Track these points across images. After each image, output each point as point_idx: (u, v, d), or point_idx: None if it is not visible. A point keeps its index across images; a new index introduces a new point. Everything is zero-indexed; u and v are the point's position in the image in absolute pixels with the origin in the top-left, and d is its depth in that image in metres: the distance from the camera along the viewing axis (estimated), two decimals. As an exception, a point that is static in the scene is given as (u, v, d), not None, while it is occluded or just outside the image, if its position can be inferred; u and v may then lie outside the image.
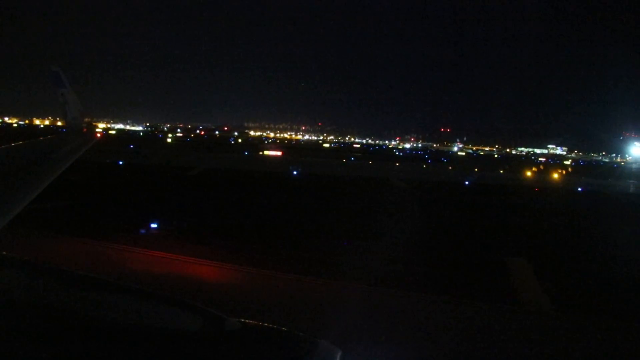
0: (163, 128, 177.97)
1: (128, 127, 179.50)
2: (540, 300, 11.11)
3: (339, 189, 31.55)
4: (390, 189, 34.24)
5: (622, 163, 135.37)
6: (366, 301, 8.60)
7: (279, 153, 69.30)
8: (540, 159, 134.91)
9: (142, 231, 14.98)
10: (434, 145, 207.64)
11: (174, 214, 18.92)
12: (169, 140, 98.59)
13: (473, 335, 7.54)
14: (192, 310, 2.33)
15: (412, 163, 71.15)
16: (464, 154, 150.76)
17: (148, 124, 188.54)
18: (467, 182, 41.49)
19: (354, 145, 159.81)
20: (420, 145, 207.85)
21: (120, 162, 37.96)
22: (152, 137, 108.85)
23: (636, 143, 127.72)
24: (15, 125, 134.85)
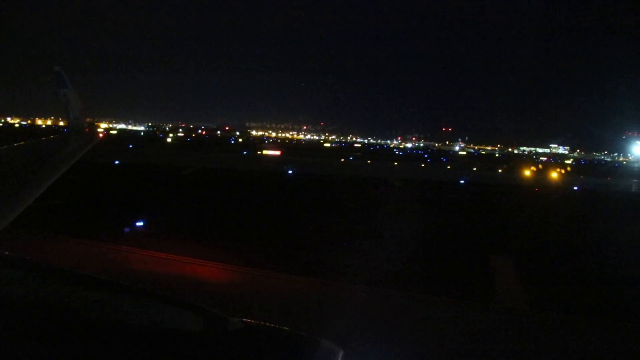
0: (165, 128, 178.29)
1: (130, 127, 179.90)
2: (517, 297, 11.14)
3: (332, 188, 31.57)
4: (384, 188, 34.25)
5: (624, 162, 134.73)
6: (366, 301, 8.69)
7: (277, 153, 69.47)
8: (541, 158, 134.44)
9: (123, 229, 15.05)
10: (436, 144, 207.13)
11: (156, 212, 19.00)
12: (168, 140, 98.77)
13: (472, 334, 7.66)
14: (194, 310, 2.31)
15: (410, 163, 71.05)
16: (465, 153, 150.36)
17: (150, 124, 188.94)
18: (462, 181, 41.47)
19: (355, 145, 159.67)
20: (422, 144, 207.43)
21: (116, 162, 38.05)
22: (153, 137, 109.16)
23: (638, 142, 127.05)
24: (17, 125, 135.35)
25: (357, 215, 21.00)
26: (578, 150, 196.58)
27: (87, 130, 9.39)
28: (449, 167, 67.61)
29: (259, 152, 69.22)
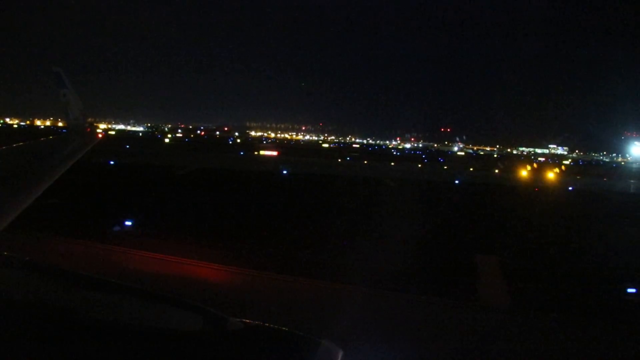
0: (164, 128, 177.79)
1: (129, 128, 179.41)
2: (500, 297, 11.22)
3: (326, 189, 31.68)
4: (379, 188, 34.34)
5: (623, 163, 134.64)
6: (366, 302, 8.76)
7: (274, 153, 69.52)
8: (540, 158, 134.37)
9: (113, 229, 15.14)
10: (435, 145, 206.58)
11: (147, 212, 19.10)
12: (166, 141, 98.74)
13: (473, 334, 7.69)
14: (193, 311, 2.31)
15: (407, 163, 71.09)
16: (463, 153, 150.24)
17: (149, 125, 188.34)
18: (456, 182, 41.57)
19: (354, 146, 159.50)
20: (421, 145, 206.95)
21: (111, 162, 38.11)
22: (151, 138, 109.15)
23: (637, 143, 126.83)
24: (15, 126, 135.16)
25: (346, 215, 21.09)
26: (577, 151, 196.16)
27: (88, 130, 9.44)
28: (445, 167, 67.68)
29: (255, 153, 69.27)
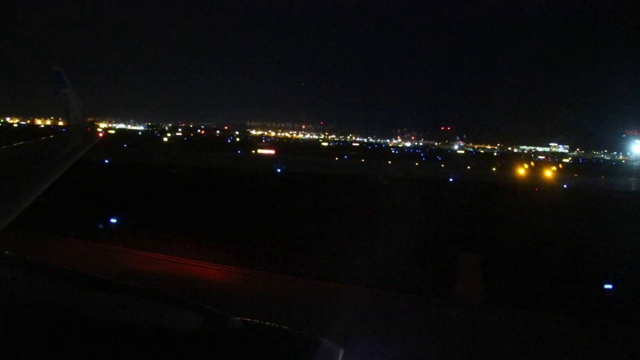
0: (164, 127, 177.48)
1: (129, 127, 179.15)
2: (475, 294, 11.25)
3: (319, 187, 31.70)
4: (372, 186, 34.35)
5: (623, 161, 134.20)
6: (365, 302, 8.84)
7: (271, 152, 69.52)
8: (539, 157, 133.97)
9: (96, 226, 15.21)
10: (435, 143, 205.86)
11: (137, 210, 19.16)
12: (165, 139, 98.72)
13: (472, 334, 7.87)
14: (194, 310, 2.30)
15: (405, 161, 71.08)
16: (463, 152, 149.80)
17: (149, 124, 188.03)
18: (451, 179, 41.59)
19: (353, 144, 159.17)
20: (421, 143, 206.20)
21: (106, 161, 38.17)
22: (150, 137, 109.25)
23: (637, 141, 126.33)
24: (15, 125, 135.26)
25: (337, 213, 21.12)
26: (577, 149, 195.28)
27: (89, 129, 9.47)
28: (442, 165, 67.65)
29: (253, 152, 69.29)
